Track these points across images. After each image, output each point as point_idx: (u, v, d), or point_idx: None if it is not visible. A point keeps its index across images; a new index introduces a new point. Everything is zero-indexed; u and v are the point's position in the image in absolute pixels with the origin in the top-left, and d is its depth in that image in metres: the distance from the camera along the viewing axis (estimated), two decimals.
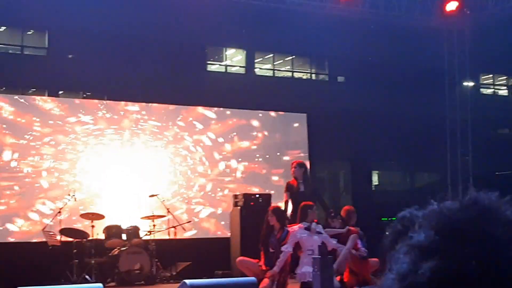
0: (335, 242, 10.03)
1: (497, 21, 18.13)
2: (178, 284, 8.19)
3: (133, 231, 12.40)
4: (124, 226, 12.48)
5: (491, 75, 23.41)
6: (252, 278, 7.97)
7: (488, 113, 20.38)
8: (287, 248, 9.72)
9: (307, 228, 9.86)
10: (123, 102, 14.78)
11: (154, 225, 12.59)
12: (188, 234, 14.04)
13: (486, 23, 17.90)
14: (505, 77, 23.86)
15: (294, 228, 9.98)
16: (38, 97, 14.68)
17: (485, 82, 23.48)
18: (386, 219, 21.52)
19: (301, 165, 11.79)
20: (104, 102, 14.83)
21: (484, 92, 23.19)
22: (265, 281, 9.65)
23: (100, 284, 6.38)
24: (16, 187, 13.38)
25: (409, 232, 1.14)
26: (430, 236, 1.06)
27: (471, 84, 19.14)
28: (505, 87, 23.93)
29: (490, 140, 20.72)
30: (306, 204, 10.24)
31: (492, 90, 23.65)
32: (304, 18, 16.97)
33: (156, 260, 12.19)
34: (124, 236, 12.33)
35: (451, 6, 15.95)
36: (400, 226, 1.28)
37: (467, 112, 18.05)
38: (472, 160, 17.97)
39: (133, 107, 14.83)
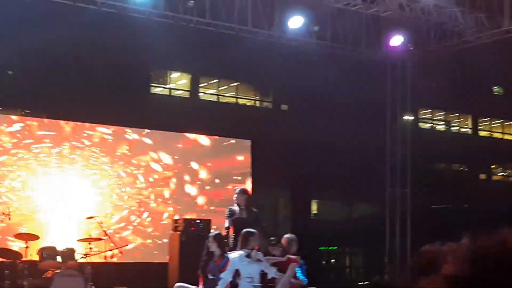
0: (275, 271, 10.00)
1: (438, 59, 18.63)
2: None
3: (69, 253, 12.11)
4: (59, 248, 12.18)
5: (429, 110, 23.97)
6: None
7: (426, 148, 20.81)
8: (226, 275, 9.63)
9: (248, 256, 9.80)
10: (63, 122, 14.51)
11: (90, 248, 12.31)
12: (125, 258, 13.79)
13: (428, 59, 18.37)
14: (443, 113, 24.47)
15: (234, 255, 9.91)
16: None
17: (423, 116, 24.03)
18: (324, 248, 21.67)
19: (243, 191, 11.74)
20: (44, 120, 14.53)
21: (423, 127, 23.71)
22: None
23: None
24: None
25: (432, 265, 1.24)
26: (466, 268, 1.21)
27: (411, 118, 19.54)
28: (442, 123, 24.53)
29: (427, 174, 21.14)
30: (247, 231, 10.18)
31: (431, 125, 24.21)
32: (251, 46, 17.07)
33: (91, 284, 11.90)
34: (59, 258, 12.02)
35: (396, 41, 16.32)
36: (423, 259, 1.33)
37: (406, 146, 18.38)
38: (410, 193, 18.27)
39: (75, 127, 14.57)
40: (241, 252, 9.82)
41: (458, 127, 25.03)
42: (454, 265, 1.35)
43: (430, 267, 1.48)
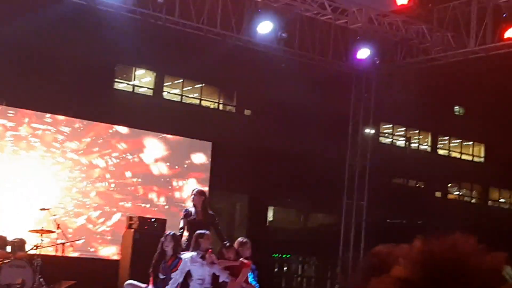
0: (227, 275, 9.96)
1: (402, 74, 18.84)
2: None
3: (19, 244, 11.89)
4: (10, 238, 11.96)
5: (391, 125, 24.22)
6: None
7: (385, 162, 21.01)
8: (177, 275, 9.56)
9: (201, 257, 9.75)
10: (22, 110, 14.28)
11: (41, 240, 12.11)
12: (76, 253, 13.59)
13: (393, 74, 18.57)
14: (403, 128, 24.75)
15: (186, 256, 9.85)
16: None
17: (385, 131, 24.27)
18: (277, 255, 21.70)
19: (201, 193, 11.68)
20: (2, 107, 14.27)
21: (383, 141, 23.94)
22: None
23: None
24: None
25: (384, 265, 1.25)
26: (417, 270, 1.25)
27: (372, 131, 19.71)
28: (403, 138, 24.81)
29: (384, 189, 21.34)
30: (200, 232, 10.13)
31: (391, 139, 24.46)
32: (218, 48, 17.04)
33: (40, 276, 11.71)
34: (8, 248, 11.80)
35: (363, 54, 16.42)
36: (375, 260, 1.34)
37: (366, 159, 18.51)
38: (366, 206, 18.41)
39: (33, 116, 14.34)
40: (193, 253, 9.76)
41: (417, 144, 25.34)
42: (406, 266, 1.35)
43: (381, 268, 1.48)
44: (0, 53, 15.88)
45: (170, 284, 9.50)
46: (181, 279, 9.63)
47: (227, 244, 10.53)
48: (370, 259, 1.52)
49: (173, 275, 9.58)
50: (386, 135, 24.44)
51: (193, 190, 11.78)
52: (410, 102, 21.46)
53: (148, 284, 9.98)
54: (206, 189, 15.19)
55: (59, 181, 14.30)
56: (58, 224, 12.38)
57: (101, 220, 14.75)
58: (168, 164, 15.84)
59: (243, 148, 19.04)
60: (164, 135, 15.94)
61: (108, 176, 14.96)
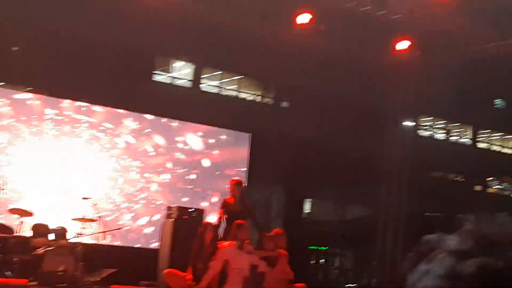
0: (265, 264, 10.02)
1: (442, 66, 18.63)
2: None
3: (61, 232, 12.13)
4: (52, 226, 12.20)
5: (430, 118, 23.98)
6: None
7: (424, 155, 20.83)
8: (215, 264, 9.66)
9: (239, 247, 9.83)
10: (65, 100, 14.52)
11: (83, 228, 12.33)
12: (116, 241, 13.80)
13: (432, 66, 18.37)
14: (443, 121, 24.48)
15: (225, 245, 9.94)
16: None
17: (424, 124, 24.05)
18: (313, 247, 21.69)
19: (239, 183, 11.76)
20: (46, 98, 14.53)
21: (422, 134, 23.73)
22: None
23: (25, 279, 6.19)
24: None
25: (432, 253, 1.38)
26: (470, 244, 1.36)
27: (411, 124, 19.55)
28: (443, 131, 24.55)
29: (423, 182, 21.15)
30: (239, 223, 10.22)
31: (430, 132, 24.22)
32: (256, 40, 17.06)
33: (82, 263, 11.92)
34: (51, 236, 12.05)
35: (403, 45, 16.26)
36: (425, 247, 1.43)
37: (404, 152, 18.38)
38: (405, 199, 18.29)
39: (75, 107, 14.57)
40: (233, 242, 9.85)
41: (457, 137, 25.05)
42: (461, 242, 1.43)
43: (426, 255, 1.52)
44: (40, 44, 16.11)
45: (209, 273, 9.60)
46: (219, 268, 9.73)
47: (266, 234, 10.60)
48: (420, 247, 1.57)
49: (211, 264, 9.68)
50: (426, 127, 24.22)
51: (231, 181, 11.88)
52: (450, 95, 21.21)
53: (187, 273, 10.10)
54: (244, 180, 15.28)
55: (101, 170, 14.51)
56: (99, 213, 12.59)
57: (141, 210, 14.93)
58: (207, 155, 15.96)
59: (280, 140, 19.04)
60: (203, 125, 16.07)
61: (148, 165, 15.13)
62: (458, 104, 22.15)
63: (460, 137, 25.29)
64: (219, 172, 16.03)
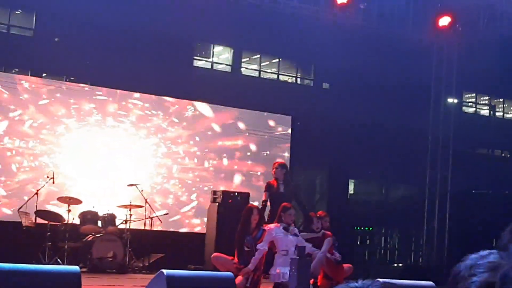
0: (311, 246, 10.03)
1: (486, 41, 18.29)
2: (150, 275, 8.13)
3: (109, 219, 12.32)
4: (100, 213, 12.39)
5: (474, 94, 23.61)
6: (229, 273, 7.91)
7: (468, 132, 20.54)
8: (262, 246, 9.70)
9: (285, 229, 9.85)
10: (107, 89, 14.69)
11: (130, 215, 12.50)
12: (163, 227, 13.96)
13: (475, 41, 18.05)
14: (487, 97, 24.08)
15: (271, 227, 9.97)
16: (22, 77, 14.52)
17: (467, 100, 23.68)
18: (359, 228, 21.61)
19: (282, 166, 11.77)
20: (88, 87, 14.72)
21: (466, 111, 23.38)
22: (239, 278, 9.62)
23: (77, 267, 6.30)
24: None
25: None
26: None
27: (455, 101, 19.28)
28: (487, 107, 24.15)
29: (469, 159, 20.88)
30: (286, 205, 10.24)
31: (474, 109, 23.85)
32: (294, 22, 16.97)
33: (130, 249, 12.10)
34: (99, 223, 12.25)
35: (444, 21, 15.99)
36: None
37: (449, 129, 18.16)
38: (451, 177, 18.09)
39: (118, 95, 14.73)
40: (278, 224, 9.87)
41: (502, 113, 24.63)
42: None
43: None
44: (80, 34, 16.28)
45: (256, 255, 9.65)
46: (266, 249, 9.77)
47: (313, 216, 10.60)
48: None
49: (258, 246, 9.72)
50: (470, 104, 23.85)
51: (274, 163, 11.90)
52: (494, 70, 20.82)
53: (233, 257, 10.16)
54: (286, 163, 15.29)
55: (146, 156, 14.66)
56: (146, 199, 12.73)
57: (187, 194, 15.06)
58: (251, 137, 16.00)
59: (322, 122, 18.96)
60: (244, 109, 16.10)
61: (191, 150, 15.24)
62: (503, 79, 21.76)
63: (505, 113, 24.85)
64: (262, 156, 16.06)
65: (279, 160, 14.01)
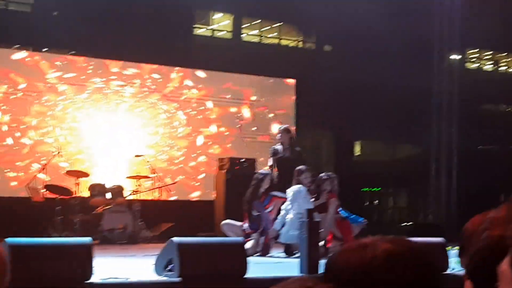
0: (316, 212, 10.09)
1: None
2: (161, 244, 8.18)
3: (118, 190, 12.38)
4: (108, 185, 12.45)
5: (477, 50, 23.45)
6: (240, 238, 7.98)
7: (473, 88, 20.45)
8: (288, 206, 9.80)
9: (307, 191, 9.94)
10: (109, 61, 14.65)
11: (139, 185, 12.55)
12: (172, 196, 14.02)
13: None
14: (490, 52, 23.92)
15: (295, 189, 10.00)
16: (24, 52, 14.49)
17: (471, 56, 23.55)
18: (367, 189, 21.69)
19: (287, 130, 11.74)
20: (90, 60, 14.68)
21: (470, 67, 23.26)
22: (250, 242, 9.71)
23: (89, 238, 6.36)
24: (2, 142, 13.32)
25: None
26: None
27: (458, 57, 19.16)
28: (490, 62, 24.01)
29: (474, 115, 20.83)
30: (301, 168, 10.34)
31: (478, 65, 23.72)
32: None
33: (140, 220, 12.18)
34: (108, 195, 12.30)
35: None
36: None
37: (453, 86, 18.10)
38: (456, 133, 18.08)
39: (120, 66, 14.70)
40: (301, 187, 9.90)
41: (506, 67, 24.48)
42: None
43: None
44: (79, 5, 16.16)
45: (282, 217, 9.74)
46: (275, 214, 9.86)
47: (323, 177, 10.61)
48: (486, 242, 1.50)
49: (283, 206, 9.80)
50: (473, 60, 23.71)
51: (279, 128, 11.87)
52: (496, 25, 20.65)
53: (243, 221, 10.23)
54: (293, 126, 15.31)
55: (151, 127, 14.68)
56: (154, 170, 12.78)
57: (194, 163, 15.10)
58: (255, 102, 15.99)
59: (326, 84, 18.89)
60: (246, 75, 16.07)
61: (196, 119, 15.25)
62: (505, 34, 21.59)
63: (509, 67, 24.71)
64: (268, 119, 16.07)
65: (284, 124, 14.00)
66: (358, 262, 1.28)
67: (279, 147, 11.41)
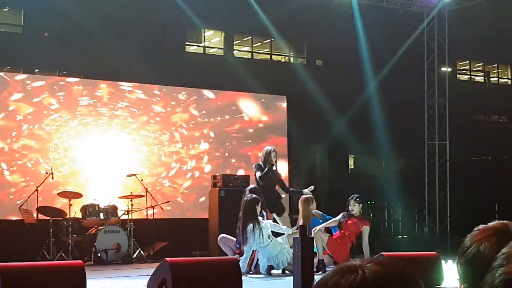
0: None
1: (476, 8, 18.23)
2: (156, 264, 8.15)
3: (111, 210, 12.34)
4: (101, 205, 12.40)
5: (467, 61, 23.55)
6: (234, 257, 7.96)
7: (464, 99, 20.53)
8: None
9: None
10: (100, 81, 14.65)
11: (132, 205, 12.51)
12: (166, 215, 13.97)
13: (466, 9, 18.00)
14: (481, 64, 24.03)
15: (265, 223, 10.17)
16: (16, 74, 14.48)
17: (462, 68, 23.64)
18: None
19: (274, 150, 11.75)
20: (81, 80, 14.68)
21: (461, 78, 23.35)
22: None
23: (80, 261, 6.32)
24: None
25: None
26: None
27: (449, 69, 19.26)
28: (481, 74, 24.11)
29: (466, 126, 20.88)
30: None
31: (469, 76, 23.82)
32: (283, 1, 16.88)
33: (134, 239, 12.13)
34: (101, 215, 12.26)
35: None
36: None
37: (445, 98, 18.18)
38: (449, 145, 18.13)
39: (111, 86, 14.69)
40: (251, 225, 9.90)
41: (497, 78, 24.59)
42: None
43: None
44: (69, 25, 16.17)
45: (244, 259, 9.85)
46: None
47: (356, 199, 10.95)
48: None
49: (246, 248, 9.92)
50: (464, 71, 23.80)
51: (266, 147, 11.83)
52: (486, 36, 20.77)
53: (236, 237, 10.31)
54: (285, 144, 15.34)
55: (142, 146, 14.65)
56: (146, 189, 12.74)
57: (186, 181, 15.06)
58: (247, 120, 16.00)
59: (318, 99, 18.93)
60: (239, 92, 16.08)
61: (186, 137, 15.23)
62: (495, 45, 21.70)
63: (500, 78, 24.81)
64: (259, 136, 16.06)
65: (276, 141, 14.02)
66: (347, 285, 1.27)
67: (263, 164, 11.36)
